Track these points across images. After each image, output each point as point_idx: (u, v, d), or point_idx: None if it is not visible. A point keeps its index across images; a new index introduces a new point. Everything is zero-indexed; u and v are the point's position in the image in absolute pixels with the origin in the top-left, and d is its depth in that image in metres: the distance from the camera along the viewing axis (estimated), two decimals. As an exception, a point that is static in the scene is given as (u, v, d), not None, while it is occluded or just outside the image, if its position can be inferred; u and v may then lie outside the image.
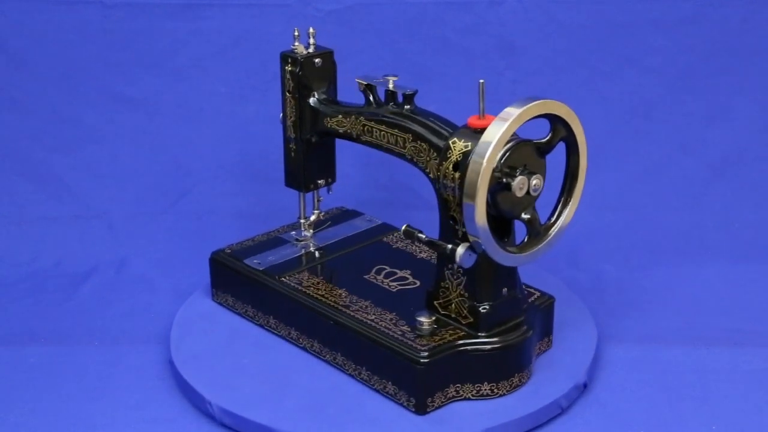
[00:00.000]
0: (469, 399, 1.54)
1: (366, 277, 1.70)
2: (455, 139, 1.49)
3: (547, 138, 1.50)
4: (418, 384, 1.49)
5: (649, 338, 1.73)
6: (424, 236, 1.54)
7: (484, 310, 1.52)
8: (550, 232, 1.54)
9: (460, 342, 1.52)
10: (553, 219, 1.55)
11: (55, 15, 2.03)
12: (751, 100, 2.07)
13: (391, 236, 1.84)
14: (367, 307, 1.61)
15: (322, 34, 2.05)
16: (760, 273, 1.92)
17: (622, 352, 1.69)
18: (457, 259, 1.49)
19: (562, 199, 1.55)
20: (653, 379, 1.63)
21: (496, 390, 1.54)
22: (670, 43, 2.05)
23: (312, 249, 1.78)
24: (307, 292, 1.65)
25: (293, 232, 1.82)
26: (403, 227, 1.56)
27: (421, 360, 1.48)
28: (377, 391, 1.55)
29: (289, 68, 1.67)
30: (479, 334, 1.53)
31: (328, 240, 1.81)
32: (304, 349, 1.65)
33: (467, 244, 1.49)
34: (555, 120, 1.49)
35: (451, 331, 1.54)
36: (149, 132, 2.09)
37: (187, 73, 2.08)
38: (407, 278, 1.70)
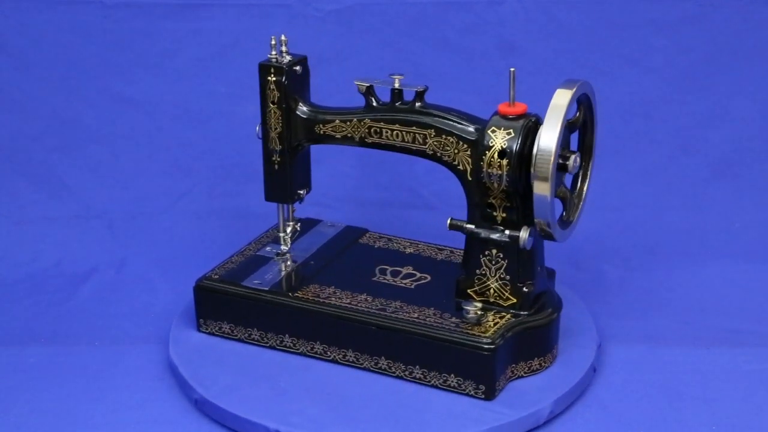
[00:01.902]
0: (522, 377, 1.58)
1: (375, 279, 1.69)
2: (493, 127, 1.52)
3: (576, 117, 1.56)
4: (488, 371, 1.52)
5: (649, 338, 1.73)
6: (472, 226, 1.57)
7: (527, 289, 1.58)
8: (579, 204, 1.61)
9: (514, 323, 1.56)
10: (576, 191, 1.61)
11: (55, 15, 2.03)
12: (751, 100, 2.07)
13: (365, 237, 1.83)
14: (402, 306, 1.61)
15: (322, 34, 2.06)
16: (760, 273, 1.92)
17: (622, 352, 1.69)
18: (522, 243, 1.53)
19: (581, 173, 1.62)
20: (653, 379, 1.63)
21: (543, 363, 1.60)
22: (670, 43, 2.05)
23: (300, 261, 1.74)
24: (331, 302, 1.62)
25: (268, 248, 1.78)
26: (449, 220, 1.59)
27: (488, 347, 1.51)
28: (434, 386, 1.56)
29: (274, 78, 1.63)
30: (523, 312, 1.58)
31: (307, 250, 1.77)
32: (333, 361, 1.62)
33: (529, 228, 1.53)
34: (582, 99, 1.55)
35: (498, 315, 1.57)
36: (149, 132, 2.09)
37: (187, 73, 2.08)
38: (415, 274, 1.71)
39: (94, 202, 2.07)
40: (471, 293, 1.61)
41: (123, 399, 1.59)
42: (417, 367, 1.56)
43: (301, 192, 1.72)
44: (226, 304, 1.67)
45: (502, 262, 1.57)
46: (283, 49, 1.64)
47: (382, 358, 1.58)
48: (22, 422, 1.55)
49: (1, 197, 2.06)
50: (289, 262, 1.73)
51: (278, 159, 1.67)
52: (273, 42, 1.63)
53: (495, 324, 1.55)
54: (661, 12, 2.04)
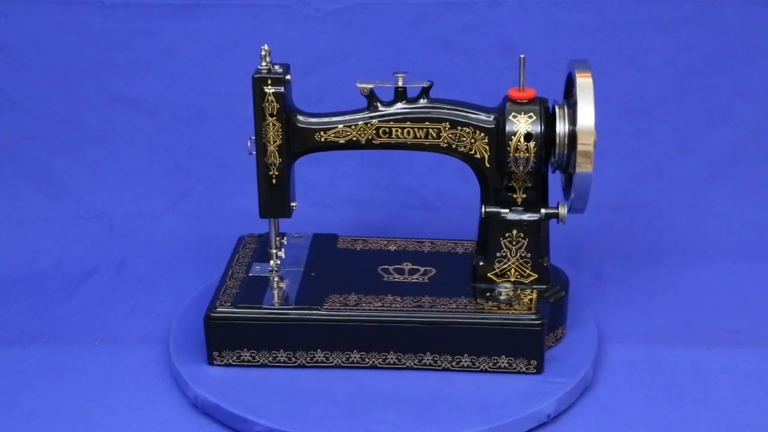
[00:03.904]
0: (551, 346, 1.64)
1: (386, 279, 1.69)
2: (513, 113, 1.58)
3: (574, 94, 1.62)
4: (538, 346, 1.58)
5: (649, 338, 1.73)
6: (507, 211, 1.62)
7: (546, 263, 1.66)
8: None
9: (544, 296, 1.63)
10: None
11: (55, 15, 2.03)
12: (751, 100, 2.07)
13: (341, 242, 1.81)
14: (434, 300, 1.62)
15: (322, 34, 2.06)
16: (760, 273, 1.92)
17: (622, 352, 1.69)
18: (562, 219, 1.62)
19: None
20: (653, 379, 1.63)
21: (564, 331, 1.68)
22: (670, 43, 2.05)
23: (300, 275, 1.69)
24: (364, 308, 1.61)
25: (257, 267, 1.71)
26: (484, 209, 1.62)
27: (537, 322, 1.57)
28: (483, 371, 1.60)
29: (272, 90, 1.59)
30: (545, 286, 1.65)
31: (297, 264, 1.72)
32: (373, 367, 1.61)
33: (565, 204, 1.62)
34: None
35: (526, 292, 1.63)
36: (149, 132, 2.09)
37: (187, 73, 2.08)
38: (418, 269, 1.72)
39: (94, 202, 2.07)
40: (491, 276, 1.65)
41: (123, 399, 1.59)
42: (465, 355, 1.59)
43: (294, 204, 1.68)
44: (248, 330, 1.60)
45: (523, 241, 1.63)
46: (268, 59, 1.61)
47: (427, 353, 1.59)
48: (22, 422, 1.55)
49: (1, 197, 2.06)
50: (281, 278, 1.68)
51: (276, 173, 1.63)
52: (263, 53, 1.60)
53: (530, 300, 1.61)
54: (661, 12, 2.04)
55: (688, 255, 1.97)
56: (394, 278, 1.70)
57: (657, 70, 2.06)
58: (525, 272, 1.65)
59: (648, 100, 2.08)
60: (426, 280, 1.69)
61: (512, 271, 1.65)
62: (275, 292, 1.65)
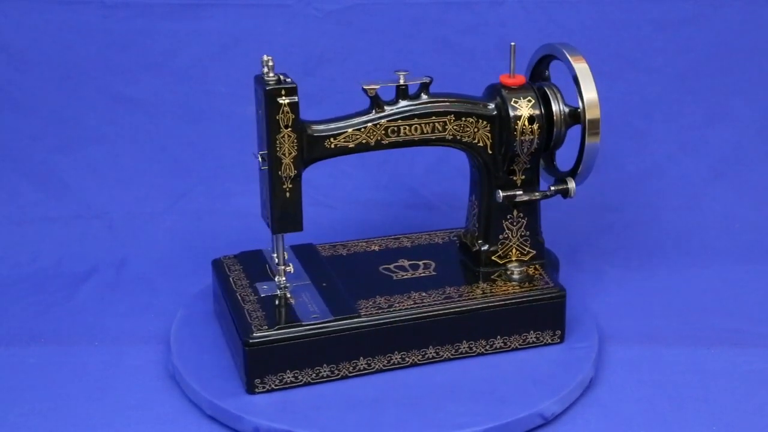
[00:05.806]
0: None
1: (397, 278, 1.69)
2: (514, 98, 1.63)
3: (547, 75, 1.74)
4: (561, 316, 1.66)
5: (649, 338, 1.73)
6: (521, 192, 1.66)
7: (542, 238, 1.72)
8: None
9: (548, 270, 1.70)
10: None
11: (55, 15, 2.03)
12: (751, 100, 2.07)
13: (322, 250, 1.78)
14: (458, 290, 1.65)
15: (322, 34, 2.06)
16: (760, 273, 1.92)
17: (622, 352, 1.69)
18: (572, 193, 1.67)
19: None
20: (653, 379, 1.63)
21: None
22: (670, 43, 2.05)
23: (314, 287, 1.65)
24: (398, 308, 1.60)
25: (265, 286, 1.65)
26: (501, 194, 1.65)
27: (560, 294, 1.65)
28: (514, 349, 1.65)
29: (287, 101, 1.53)
30: (542, 261, 1.72)
31: (298, 279, 1.67)
32: (413, 365, 1.61)
33: (572, 179, 1.67)
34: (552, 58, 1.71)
35: (531, 269, 1.70)
36: (149, 132, 2.09)
37: (187, 73, 2.08)
38: (418, 264, 1.74)
39: (94, 202, 2.07)
40: (495, 259, 1.70)
41: (123, 399, 1.59)
42: (498, 337, 1.63)
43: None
44: (290, 350, 1.55)
45: (523, 220, 1.69)
46: (266, 70, 1.56)
47: (463, 342, 1.62)
48: (22, 422, 1.55)
49: (1, 197, 2.06)
50: (292, 294, 1.63)
51: (290, 186, 1.58)
52: (271, 63, 1.54)
53: (540, 276, 1.68)
54: (661, 12, 2.04)
55: (688, 255, 1.97)
56: (403, 276, 1.70)
57: (657, 70, 2.06)
58: (525, 250, 1.70)
59: (648, 100, 2.08)
60: (434, 273, 1.70)
61: (513, 251, 1.70)
62: (306, 307, 1.60)
